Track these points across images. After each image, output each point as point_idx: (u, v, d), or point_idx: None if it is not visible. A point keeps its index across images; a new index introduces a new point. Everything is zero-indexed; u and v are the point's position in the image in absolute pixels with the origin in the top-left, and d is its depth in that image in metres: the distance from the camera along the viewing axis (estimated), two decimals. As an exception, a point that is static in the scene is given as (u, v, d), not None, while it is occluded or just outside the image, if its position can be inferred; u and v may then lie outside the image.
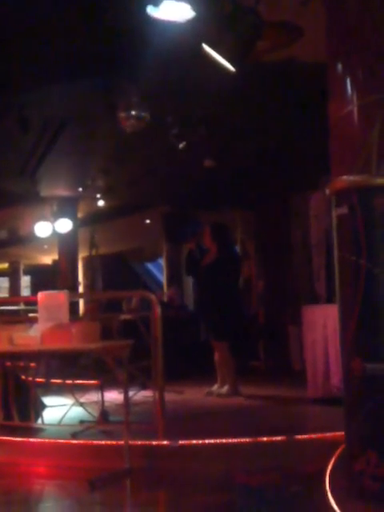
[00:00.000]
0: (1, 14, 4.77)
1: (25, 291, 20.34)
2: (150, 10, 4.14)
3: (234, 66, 4.34)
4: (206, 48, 4.32)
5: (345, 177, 3.45)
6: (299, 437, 4.36)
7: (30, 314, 7.84)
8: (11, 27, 4.97)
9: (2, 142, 7.18)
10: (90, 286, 16.07)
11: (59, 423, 5.13)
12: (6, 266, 20.28)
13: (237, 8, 3.99)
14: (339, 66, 3.81)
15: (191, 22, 4.15)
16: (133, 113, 5.77)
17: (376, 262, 3.29)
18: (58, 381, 6.28)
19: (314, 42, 4.43)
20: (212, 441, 4.34)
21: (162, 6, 4.08)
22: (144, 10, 4.14)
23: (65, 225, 11.48)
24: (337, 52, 3.89)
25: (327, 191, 3.56)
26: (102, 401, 5.46)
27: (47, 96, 6.31)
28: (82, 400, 5.63)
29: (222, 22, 4.08)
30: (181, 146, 6.83)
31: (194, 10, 4.07)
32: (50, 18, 4.84)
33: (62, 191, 11.08)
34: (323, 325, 5.95)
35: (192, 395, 6.96)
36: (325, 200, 6.64)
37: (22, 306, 9.19)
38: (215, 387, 6.88)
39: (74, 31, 4.95)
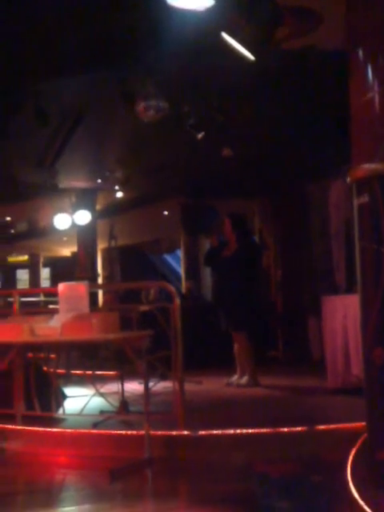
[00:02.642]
0: (17, 4, 4.77)
1: (44, 283, 20.47)
2: (169, -1, 4.11)
3: (253, 54, 4.31)
4: (225, 36, 4.29)
5: (366, 165, 3.41)
6: (320, 427, 4.34)
7: (51, 306, 7.91)
8: (28, 18, 4.97)
9: (19, 133, 7.19)
10: (108, 278, 16.13)
11: (80, 413, 5.16)
12: (25, 258, 20.43)
13: (255, -5, 3.95)
14: (360, 53, 3.75)
15: (210, 11, 4.11)
16: (151, 103, 5.75)
17: (398, 250, 3.26)
18: (79, 372, 6.31)
19: (334, 28, 4.37)
20: (232, 431, 4.35)
21: (181, -6, 4.06)
22: (163, -2, 4.11)
23: (84, 217, 11.52)
24: (357, 38, 3.83)
25: (348, 179, 3.53)
26: (122, 391, 5.48)
27: (65, 86, 6.31)
28: (103, 390, 5.65)
29: (240, 10, 4.05)
30: (199, 136, 6.78)
31: (213, -2, 4.04)
32: (68, 7, 4.83)
33: (80, 183, 11.09)
34: (343, 315, 5.92)
35: (211, 386, 6.97)
36: (344, 189, 6.59)
37: (41, 298, 9.26)
38: (235, 378, 6.88)
39: (91, 21, 4.94)
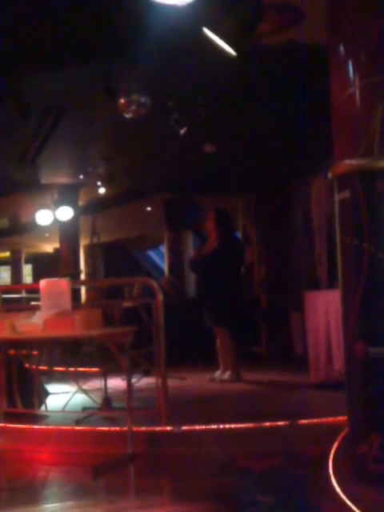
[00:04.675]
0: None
1: (26, 279, 20.37)
2: (150, -6, 4.09)
3: (234, 49, 4.31)
4: (207, 32, 4.28)
5: (347, 160, 3.43)
6: (302, 421, 4.37)
7: (32, 302, 7.86)
8: (9, 12, 4.92)
9: (1, 128, 7.13)
10: (91, 274, 16.07)
11: (63, 410, 5.14)
12: (7, 254, 20.30)
13: (237, -9, 3.95)
14: (341, 48, 3.77)
15: (191, 6, 4.09)
16: (133, 98, 5.73)
17: (378, 245, 3.28)
18: (61, 368, 6.29)
19: (316, 24, 4.39)
20: (215, 426, 4.35)
21: (162, -11, 4.04)
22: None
23: (66, 213, 11.46)
24: (338, 34, 3.85)
25: (329, 175, 3.54)
26: (105, 387, 5.47)
27: (47, 82, 6.26)
28: (85, 387, 5.64)
29: (222, 5, 4.04)
30: (182, 131, 6.77)
31: (194, -8, 4.02)
32: (50, 2, 4.80)
33: (62, 179, 11.04)
34: (325, 310, 5.95)
35: (195, 381, 6.97)
36: (326, 185, 6.62)
37: (24, 294, 9.20)
38: (218, 373, 6.89)
39: (73, 16, 4.90)
